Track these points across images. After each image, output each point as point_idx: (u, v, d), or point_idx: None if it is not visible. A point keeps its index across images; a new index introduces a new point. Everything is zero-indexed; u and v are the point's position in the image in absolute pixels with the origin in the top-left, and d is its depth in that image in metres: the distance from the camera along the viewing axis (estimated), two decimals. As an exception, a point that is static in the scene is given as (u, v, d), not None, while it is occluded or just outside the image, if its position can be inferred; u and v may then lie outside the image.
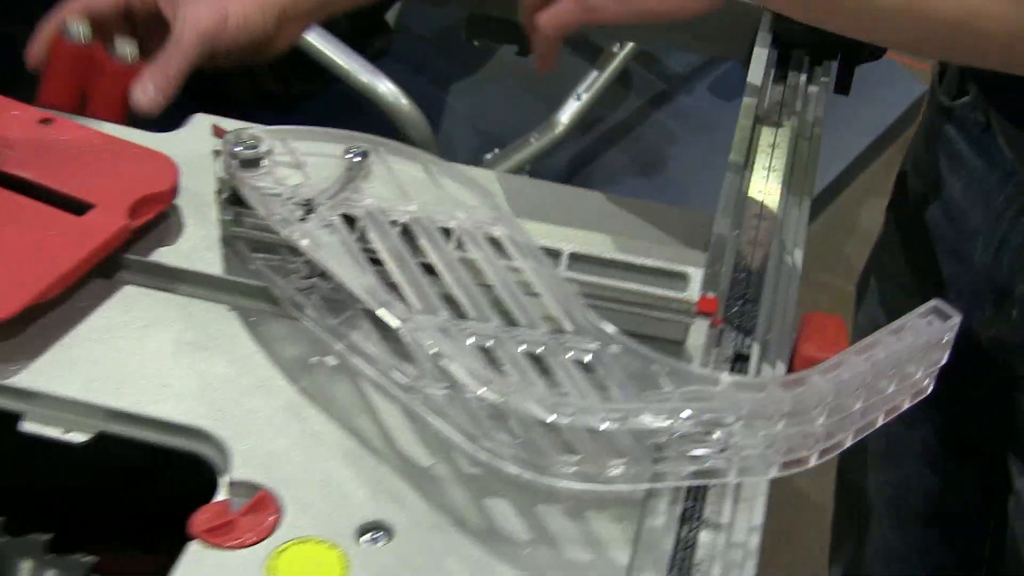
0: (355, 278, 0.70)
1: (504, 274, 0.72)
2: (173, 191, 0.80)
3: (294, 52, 1.87)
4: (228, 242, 0.78)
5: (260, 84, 2.22)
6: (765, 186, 0.91)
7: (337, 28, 1.99)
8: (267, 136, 0.77)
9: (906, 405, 0.72)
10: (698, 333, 0.78)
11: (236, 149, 0.76)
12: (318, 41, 1.84)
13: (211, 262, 0.78)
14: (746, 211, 0.88)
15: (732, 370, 0.77)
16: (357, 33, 2.21)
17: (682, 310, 0.74)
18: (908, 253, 1.07)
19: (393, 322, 0.68)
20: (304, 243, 0.71)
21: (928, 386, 0.72)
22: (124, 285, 0.77)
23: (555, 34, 0.81)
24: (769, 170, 0.92)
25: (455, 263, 0.72)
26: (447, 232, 0.74)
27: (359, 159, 0.77)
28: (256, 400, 0.70)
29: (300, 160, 0.76)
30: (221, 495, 0.66)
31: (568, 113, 2.28)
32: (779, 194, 0.90)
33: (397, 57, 2.36)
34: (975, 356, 0.96)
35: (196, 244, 0.79)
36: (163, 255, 0.78)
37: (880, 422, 0.71)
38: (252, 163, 0.76)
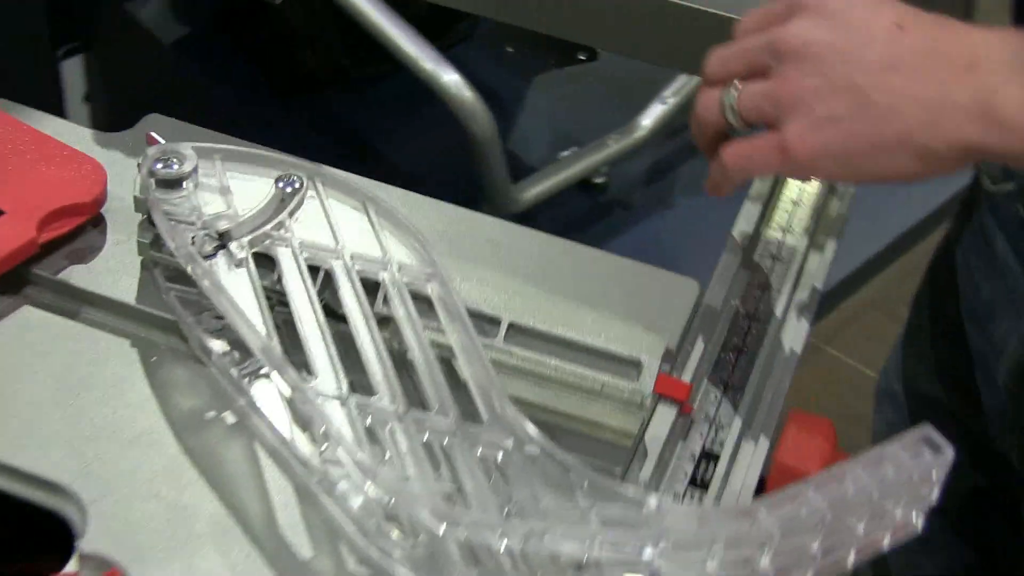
0: (252, 331, 0.61)
1: (424, 342, 0.62)
2: (97, 203, 0.72)
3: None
4: (147, 267, 0.70)
5: (333, 60, 2.14)
6: (778, 251, 0.80)
7: (415, 8, 1.91)
8: (195, 154, 0.68)
9: (886, 544, 0.61)
10: (663, 421, 0.68)
11: (156, 167, 0.67)
12: (383, 22, 1.76)
13: (125, 287, 0.69)
14: (749, 279, 0.78)
15: (697, 470, 0.67)
16: (438, 16, 2.12)
17: (632, 401, 0.64)
18: (932, 354, 0.94)
19: (284, 389, 0.59)
20: (204, 284, 0.63)
21: (917, 523, 0.61)
22: (24, 305, 0.69)
23: (741, 177, 0.68)
24: (785, 231, 0.82)
25: (373, 325, 0.63)
26: (374, 285, 0.65)
27: (291, 190, 0.68)
28: (133, 457, 0.62)
29: (226, 185, 0.68)
30: (71, 566, 0.58)
31: (651, 117, 2.16)
32: (793, 261, 0.79)
33: (480, 43, 2.26)
34: (997, 481, 0.84)
35: (114, 264, 0.71)
36: (74, 273, 0.70)
37: (852, 561, 0.61)
38: (172, 184, 0.67)
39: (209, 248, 0.65)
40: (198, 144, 0.69)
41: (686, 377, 0.71)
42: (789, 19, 0.64)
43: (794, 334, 0.76)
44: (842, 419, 1.34)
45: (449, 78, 1.76)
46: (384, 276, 0.65)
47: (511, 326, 0.65)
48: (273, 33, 2.16)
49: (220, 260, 0.64)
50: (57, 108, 2.16)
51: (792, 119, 0.62)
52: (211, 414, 0.64)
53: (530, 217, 2.05)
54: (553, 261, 0.74)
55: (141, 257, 0.70)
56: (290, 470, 0.62)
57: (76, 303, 0.69)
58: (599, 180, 2.17)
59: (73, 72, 2.17)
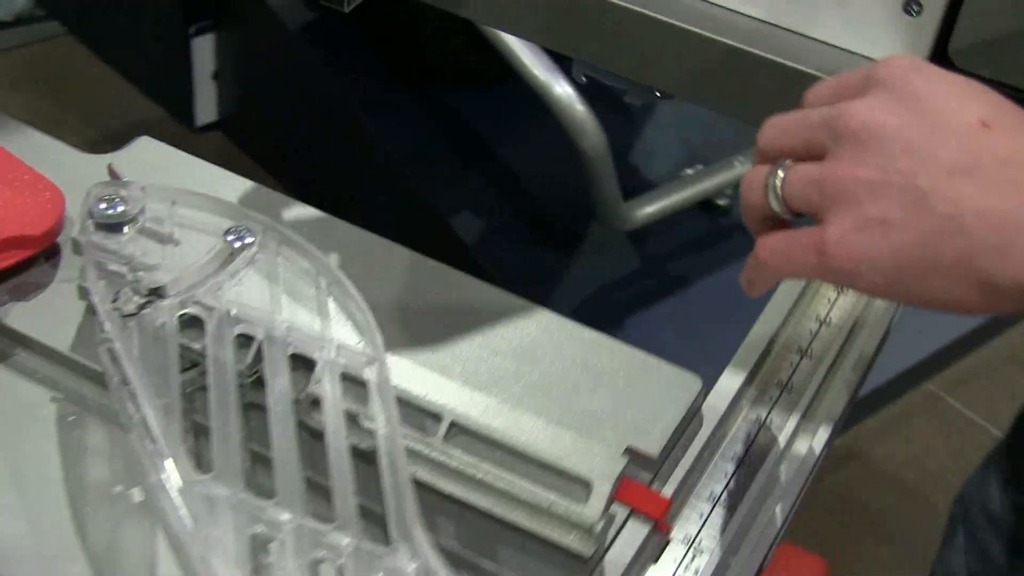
0: (152, 409, 0.55)
1: (342, 441, 0.55)
2: (49, 236, 0.66)
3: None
4: (90, 311, 0.64)
5: (458, 56, 2.09)
6: (808, 345, 0.71)
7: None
8: (143, 196, 0.62)
9: None
10: (631, 541, 0.60)
11: (99, 207, 0.62)
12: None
13: (63, 332, 0.64)
14: (767, 377, 0.69)
15: (663, 601, 0.59)
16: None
17: (581, 525, 0.56)
18: (1008, 470, 0.82)
19: (175, 481, 0.53)
20: (116, 346, 0.57)
21: None
22: (-50, 344, 0.64)
23: (776, 276, 0.59)
24: (823, 323, 0.72)
25: (290, 414, 0.56)
26: (307, 363, 0.58)
27: (240, 245, 0.62)
28: (14, 534, 0.56)
29: (169, 233, 0.61)
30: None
31: (782, 140, 2.04)
32: (824, 359, 0.70)
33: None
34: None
35: (58, 305, 0.65)
36: (11, 311, 0.65)
37: None
38: (112, 227, 0.61)
39: (132, 307, 0.58)
40: (152, 185, 0.63)
41: (668, 489, 0.62)
42: (861, 93, 0.54)
43: (810, 447, 0.67)
44: (957, 474, 1.22)
45: (561, 90, 1.69)
46: (321, 355, 0.58)
47: (453, 425, 0.57)
48: (400, 24, 2.11)
49: (145, 320, 0.58)
50: (186, 84, 2.16)
51: (837, 214, 0.52)
52: (118, 488, 0.58)
53: (643, 235, 1.97)
54: (537, 341, 0.66)
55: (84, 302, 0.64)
56: (189, 566, 0.55)
57: (10, 344, 0.64)
58: (722, 202, 2.07)
59: (203, 50, 2.17)
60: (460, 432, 0.57)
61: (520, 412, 0.58)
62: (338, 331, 0.59)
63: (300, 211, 0.69)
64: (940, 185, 0.50)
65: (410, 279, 0.68)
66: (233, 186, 0.71)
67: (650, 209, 1.90)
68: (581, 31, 0.86)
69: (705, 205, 2.04)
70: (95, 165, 0.72)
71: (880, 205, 0.51)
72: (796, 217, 0.57)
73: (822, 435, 0.68)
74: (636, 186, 1.94)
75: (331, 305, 0.60)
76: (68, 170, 0.71)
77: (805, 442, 0.67)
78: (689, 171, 2.04)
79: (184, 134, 2.16)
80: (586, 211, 1.89)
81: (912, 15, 0.80)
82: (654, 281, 1.99)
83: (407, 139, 2.03)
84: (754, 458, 0.65)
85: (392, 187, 2.00)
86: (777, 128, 0.58)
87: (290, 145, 2.19)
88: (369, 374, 0.57)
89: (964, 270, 0.49)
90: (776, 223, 0.58)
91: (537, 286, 1.86)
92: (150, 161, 0.73)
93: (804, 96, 0.60)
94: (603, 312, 1.89)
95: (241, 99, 2.22)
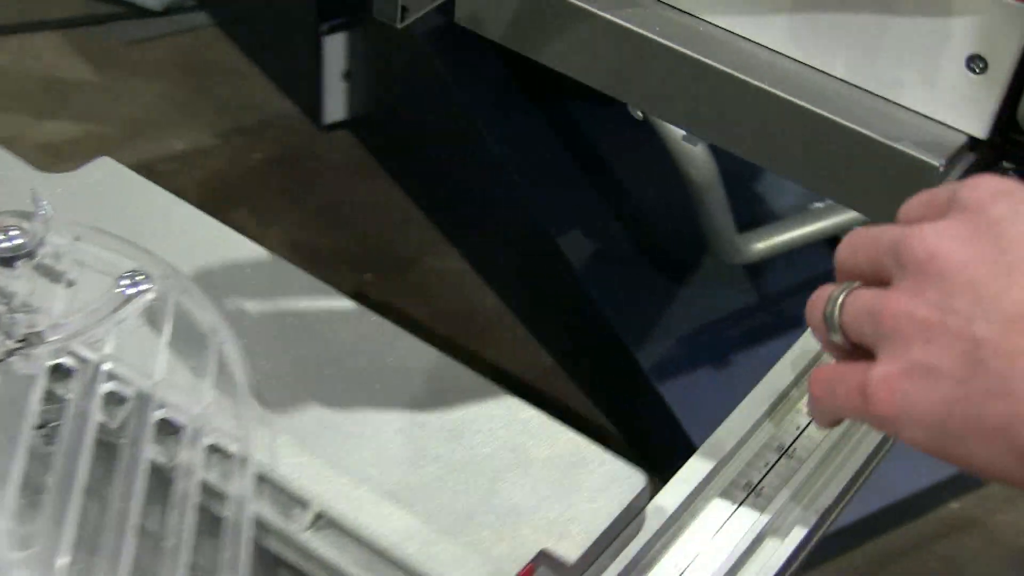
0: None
1: (189, 522, 0.49)
2: (-36, 262, 0.62)
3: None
4: (-8, 346, 0.60)
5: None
6: (791, 443, 0.63)
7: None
8: (44, 229, 0.58)
9: None
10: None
11: (-7, 238, 0.57)
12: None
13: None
14: (735, 476, 0.61)
15: None
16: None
17: (449, 645, 0.49)
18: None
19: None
20: (-31, 398, 0.52)
21: None
22: None
23: (829, 414, 0.54)
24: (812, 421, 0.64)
25: (140, 484, 0.50)
26: (174, 429, 0.53)
27: (134, 291, 0.56)
28: None
29: (63, 272, 0.57)
30: None
31: (919, 179, 1.92)
32: (808, 460, 0.62)
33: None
34: None
35: (-32, 337, 0.61)
36: (-84, 343, 0.61)
37: None
38: (3, 261, 0.57)
39: (2, 350, 0.54)
40: (59, 217, 0.59)
41: (591, 601, 0.55)
42: (942, 215, 0.47)
43: (767, 561, 0.59)
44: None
45: (669, 117, 1.60)
46: (189, 424, 0.52)
47: (320, 516, 0.51)
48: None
49: (10, 368, 0.54)
50: (315, 83, 2.14)
51: (886, 353, 0.46)
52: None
53: (761, 269, 1.88)
54: (469, 416, 0.59)
55: (-14, 336, 0.60)
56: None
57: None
58: (851, 239, 1.96)
59: (335, 49, 2.16)
60: (327, 524, 0.51)
61: (403, 507, 0.52)
62: (218, 397, 0.53)
63: (239, 249, 0.64)
64: (998, 337, 0.42)
65: (342, 333, 0.62)
66: (183, 216, 0.67)
67: (767, 243, 1.80)
68: (629, 76, 0.79)
69: (833, 242, 1.93)
70: (47, 185, 0.68)
71: (930, 350, 0.43)
72: (855, 348, 0.49)
73: (791, 543, 0.59)
74: (760, 217, 1.85)
75: (214, 368, 0.54)
76: (14, 190, 0.67)
77: (768, 553, 0.59)
78: (819, 204, 1.93)
79: (314, 132, 2.14)
80: (701, 239, 1.81)
81: (975, 72, 0.70)
82: (769, 318, 1.89)
83: (523, 152, 1.97)
84: (701, 570, 0.57)
85: (504, 200, 1.95)
86: (850, 246, 0.50)
87: (412, 149, 2.16)
88: (235, 449, 0.51)
89: (1006, 438, 0.42)
90: (845, 350, 0.50)
91: (642, 315, 1.78)
92: (104, 184, 0.68)
93: (898, 211, 0.52)
94: (710, 347, 1.81)
95: (368, 100, 2.20)
